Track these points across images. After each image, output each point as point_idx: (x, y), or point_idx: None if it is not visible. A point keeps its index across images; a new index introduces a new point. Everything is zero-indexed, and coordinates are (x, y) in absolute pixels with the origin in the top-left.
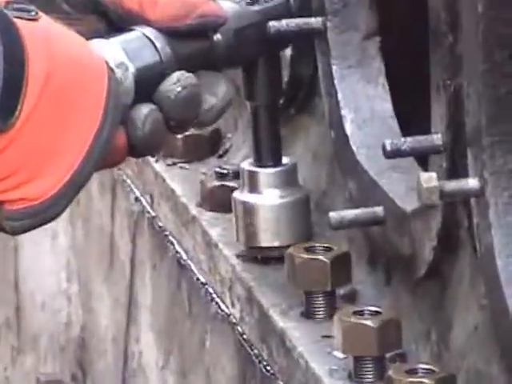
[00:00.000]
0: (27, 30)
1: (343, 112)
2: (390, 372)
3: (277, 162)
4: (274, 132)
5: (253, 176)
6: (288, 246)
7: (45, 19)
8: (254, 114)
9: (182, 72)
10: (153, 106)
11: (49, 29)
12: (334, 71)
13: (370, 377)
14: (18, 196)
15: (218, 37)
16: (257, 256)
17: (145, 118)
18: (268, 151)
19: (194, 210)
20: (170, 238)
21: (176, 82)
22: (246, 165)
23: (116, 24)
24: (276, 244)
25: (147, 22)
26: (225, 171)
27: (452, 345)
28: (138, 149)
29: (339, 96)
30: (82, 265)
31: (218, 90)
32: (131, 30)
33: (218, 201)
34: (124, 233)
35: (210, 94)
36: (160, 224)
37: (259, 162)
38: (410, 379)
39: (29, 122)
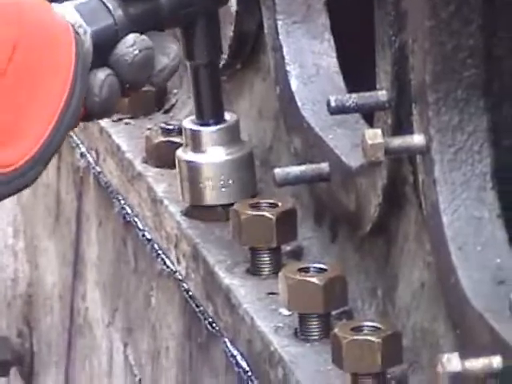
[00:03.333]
0: None
1: (288, 68)
2: (336, 329)
3: (219, 120)
4: (215, 90)
5: (196, 135)
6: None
7: None
8: (194, 73)
9: (137, 34)
10: (109, 71)
11: None
12: (279, 26)
13: (316, 334)
14: None
15: None
16: (202, 215)
17: (102, 84)
18: (210, 110)
19: (139, 166)
20: (116, 194)
21: (132, 45)
22: (188, 123)
23: None
24: (221, 202)
25: None
26: (170, 127)
27: (398, 302)
28: (94, 114)
29: (284, 52)
30: (28, 221)
31: (169, 51)
32: None
33: (164, 157)
34: (70, 189)
35: (161, 54)
36: (106, 180)
37: (201, 120)
38: (356, 337)
39: (2, 80)
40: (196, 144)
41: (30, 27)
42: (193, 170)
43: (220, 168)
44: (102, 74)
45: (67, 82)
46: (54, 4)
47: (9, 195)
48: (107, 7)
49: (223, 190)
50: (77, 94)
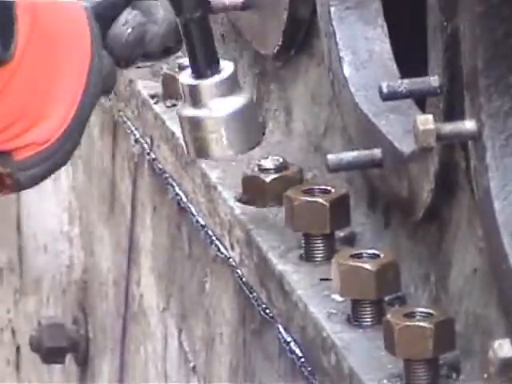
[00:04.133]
0: None
1: (341, 54)
2: (389, 316)
3: (214, 71)
4: (207, 43)
5: (194, 89)
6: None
7: None
8: (184, 28)
9: (129, 11)
10: (104, 53)
11: None
12: (332, 12)
13: (369, 320)
14: (25, 142)
15: None
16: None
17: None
18: (204, 63)
19: None
20: (170, 180)
21: (125, 24)
22: (185, 78)
23: None
24: (226, 154)
25: None
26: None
27: (450, 288)
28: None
29: (337, 37)
30: (83, 207)
31: (157, 16)
32: None
33: None
34: (124, 175)
35: (150, 22)
36: (160, 166)
37: (197, 74)
38: (408, 323)
39: (26, 53)
40: (196, 99)
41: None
42: (195, 124)
43: (222, 120)
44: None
45: (88, 52)
46: None
47: (45, 176)
48: None
49: (227, 141)
50: (97, 60)
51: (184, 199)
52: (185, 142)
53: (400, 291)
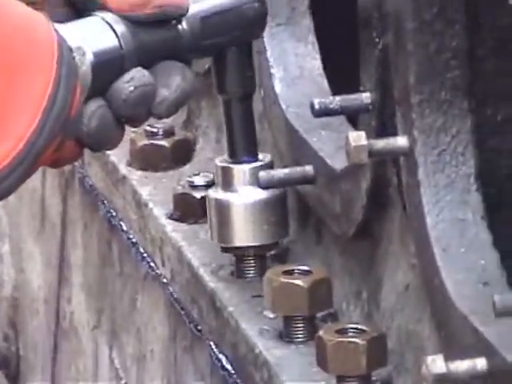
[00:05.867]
0: None
1: (272, 70)
2: (321, 332)
3: (252, 158)
4: (248, 126)
5: (227, 173)
6: (264, 246)
7: None
8: (226, 107)
9: (138, 69)
10: (101, 102)
11: None
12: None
13: (301, 336)
14: None
15: (183, 25)
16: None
17: (91, 114)
18: (243, 147)
19: (124, 170)
20: (101, 197)
21: (129, 81)
22: (220, 161)
23: (78, 9)
24: (252, 243)
25: (108, 9)
26: (155, 129)
27: (383, 304)
28: (85, 145)
29: (268, 54)
30: (13, 224)
31: (171, 82)
32: (91, 14)
33: (148, 160)
34: (55, 192)
35: (163, 86)
36: (90, 183)
37: (234, 157)
38: (341, 339)
39: None
40: (227, 182)
41: (5, 23)
42: (223, 209)
43: (251, 208)
44: (93, 105)
45: (48, 84)
46: (55, 24)
47: None
48: (114, 30)
49: (252, 230)
50: (60, 95)
51: (115, 216)
52: (210, 225)
53: (332, 307)
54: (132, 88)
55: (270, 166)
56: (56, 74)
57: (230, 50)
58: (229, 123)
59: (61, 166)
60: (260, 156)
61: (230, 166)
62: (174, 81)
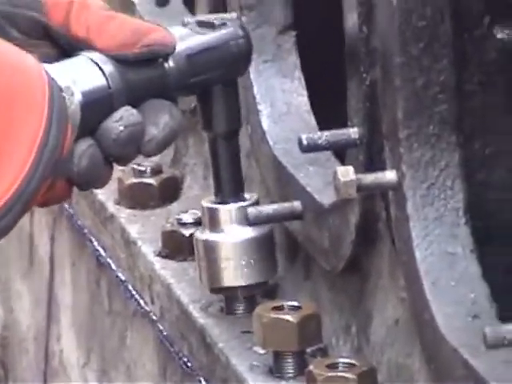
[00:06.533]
0: None
1: (259, 107)
2: (311, 367)
3: (238, 197)
4: (234, 164)
5: (213, 213)
6: (253, 285)
7: None
8: (211, 145)
9: (127, 108)
10: (91, 142)
11: None
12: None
13: (291, 372)
14: None
15: (169, 63)
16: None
17: (81, 154)
18: (229, 186)
19: (112, 208)
20: (89, 235)
21: (118, 120)
22: (206, 202)
23: (66, 50)
24: (241, 283)
25: (95, 49)
26: (143, 168)
27: (372, 338)
28: (75, 184)
29: (255, 90)
30: (1, 263)
31: (159, 120)
32: (78, 54)
33: (137, 198)
34: (43, 230)
35: (151, 124)
36: (79, 222)
37: (220, 197)
38: (331, 373)
39: None
40: (214, 223)
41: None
42: (210, 249)
43: (239, 247)
44: (83, 144)
45: (39, 126)
46: (43, 64)
47: None
48: (101, 69)
49: (243, 270)
50: (52, 138)
51: (103, 254)
52: (198, 267)
53: (322, 342)
54: (121, 128)
55: (256, 204)
56: (48, 115)
57: (215, 87)
58: (215, 161)
59: (50, 205)
60: (246, 195)
61: (217, 206)
62: (161, 119)
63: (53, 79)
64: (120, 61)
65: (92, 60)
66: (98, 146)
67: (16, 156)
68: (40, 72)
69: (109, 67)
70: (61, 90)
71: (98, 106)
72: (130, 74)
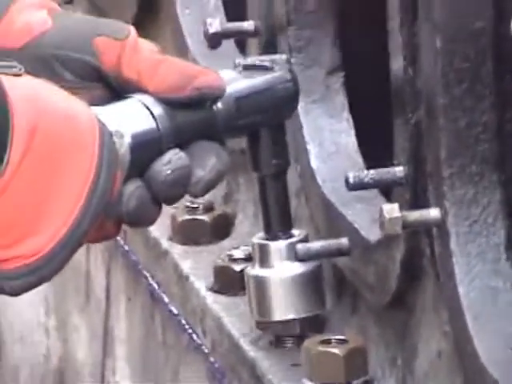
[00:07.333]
0: (10, 84)
1: (308, 146)
2: None
3: (288, 234)
4: (282, 202)
5: (263, 249)
6: (303, 319)
7: (28, 75)
8: (260, 185)
9: (176, 151)
10: (139, 183)
11: (33, 83)
12: (299, 106)
13: None
14: (12, 254)
15: (218, 106)
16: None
17: (130, 195)
18: (278, 223)
19: (165, 244)
20: (143, 271)
21: (167, 164)
22: (256, 239)
23: (118, 92)
24: (289, 317)
25: (146, 91)
26: (195, 205)
27: (417, 370)
28: (125, 223)
29: (304, 130)
30: (59, 299)
31: (207, 162)
32: (129, 97)
33: (189, 234)
34: (99, 266)
35: (198, 166)
36: (133, 258)
37: (269, 234)
38: None
39: (18, 172)
40: (264, 258)
41: (48, 112)
42: (261, 284)
43: (288, 283)
44: (132, 186)
45: (90, 170)
46: (92, 107)
47: (33, 287)
48: (151, 112)
49: (290, 304)
50: (102, 182)
51: (157, 289)
52: (249, 301)
53: (368, 375)
54: (169, 171)
55: (305, 240)
56: (98, 160)
57: (263, 129)
58: (264, 200)
59: (100, 242)
60: (295, 232)
61: (267, 242)
62: (209, 161)
63: (103, 124)
64: (170, 103)
65: (142, 102)
66: (146, 186)
67: (67, 199)
68: (90, 118)
69: (158, 109)
70: (111, 134)
71: (146, 148)
72: (179, 117)
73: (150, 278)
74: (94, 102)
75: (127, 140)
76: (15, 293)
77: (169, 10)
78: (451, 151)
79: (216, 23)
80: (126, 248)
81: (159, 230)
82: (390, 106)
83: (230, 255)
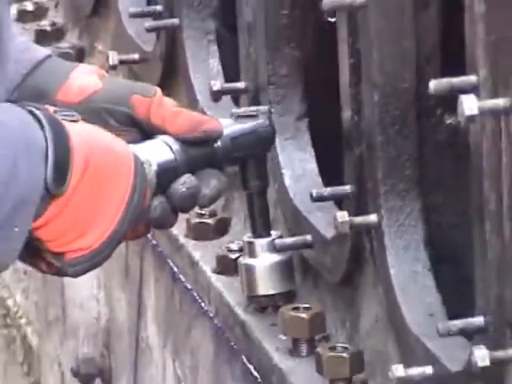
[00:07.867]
0: (71, 128)
1: (283, 171)
2: (318, 349)
3: (268, 233)
4: (264, 212)
5: (251, 245)
6: (279, 293)
7: (83, 121)
8: (248, 199)
9: (189, 175)
10: (162, 199)
11: (86, 127)
12: (276, 142)
13: (304, 352)
14: (76, 247)
15: (218, 143)
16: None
17: (156, 207)
18: (261, 226)
19: (182, 240)
20: (167, 259)
21: (183, 184)
22: (246, 237)
23: (147, 134)
24: (270, 292)
25: (168, 133)
26: (203, 212)
27: (360, 330)
28: (153, 226)
29: (280, 159)
30: (107, 278)
31: (210, 183)
32: (155, 137)
33: (199, 233)
34: (135, 255)
35: (205, 186)
36: (159, 249)
37: (255, 234)
38: (332, 353)
39: (76, 191)
40: (251, 252)
41: (98, 147)
42: (249, 270)
43: (269, 268)
44: (157, 201)
45: (128, 188)
46: (130, 145)
47: (90, 269)
48: (171, 148)
49: (270, 283)
50: (136, 196)
51: (176, 272)
52: (241, 283)
53: (325, 332)
54: (184, 189)
55: (281, 237)
56: (133, 182)
57: (250, 159)
58: (251, 210)
59: (135, 240)
60: (274, 232)
61: (253, 240)
62: (212, 182)
63: (137, 156)
64: (184, 142)
65: (164, 141)
66: (167, 201)
67: (111, 209)
68: (127, 151)
69: (176, 146)
70: (142, 163)
71: (167, 174)
72: (191, 151)
73: (171, 264)
74: (131, 142)
75: (154, 168)
76: (76, 275)
77: (184, 75)
78: (385, 174)
79: (218, 83)
80: (154, 242)
81: (177, 229)
82: (341, 142)
83: (228, 247)
